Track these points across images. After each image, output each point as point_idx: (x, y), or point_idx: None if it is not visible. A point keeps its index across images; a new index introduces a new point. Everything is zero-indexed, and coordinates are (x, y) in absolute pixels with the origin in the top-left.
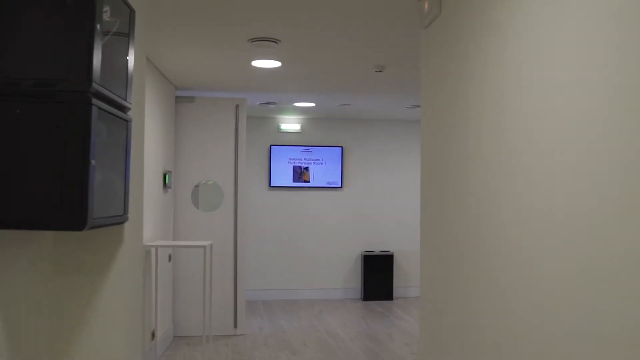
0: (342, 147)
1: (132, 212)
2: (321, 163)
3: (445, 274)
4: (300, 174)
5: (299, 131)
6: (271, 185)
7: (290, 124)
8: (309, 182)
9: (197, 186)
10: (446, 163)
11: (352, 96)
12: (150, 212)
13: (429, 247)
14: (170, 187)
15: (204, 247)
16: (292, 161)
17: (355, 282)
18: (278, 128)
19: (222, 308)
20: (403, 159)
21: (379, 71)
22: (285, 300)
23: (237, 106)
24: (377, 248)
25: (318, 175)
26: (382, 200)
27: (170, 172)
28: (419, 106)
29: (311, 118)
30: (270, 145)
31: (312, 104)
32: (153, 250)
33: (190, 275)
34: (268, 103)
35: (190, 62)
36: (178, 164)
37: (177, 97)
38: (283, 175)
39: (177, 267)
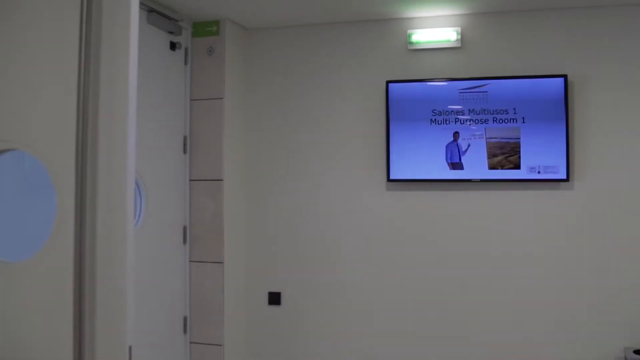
0: (565, 76)
1: None
2: (512, 120)
3: None
4: (460, 148)
5: (457, 44)
6: (391, 178)
7: (435, 30)
8: (475, 169)
9: None
10: None
11: None
12: None
13: None
14: None
15: None
16: (441, 117)
17: None
18: (407, 41)
19: None
20: None
21: None
22: None
23: None
24: None
25: (505, 153)
26: None
27: None
28: None
29: (484, 14)
30: (388, 83)
31: None
32: None
33: None
34: None
35: None
36: None
37: None
38: (420, 154)
39: None
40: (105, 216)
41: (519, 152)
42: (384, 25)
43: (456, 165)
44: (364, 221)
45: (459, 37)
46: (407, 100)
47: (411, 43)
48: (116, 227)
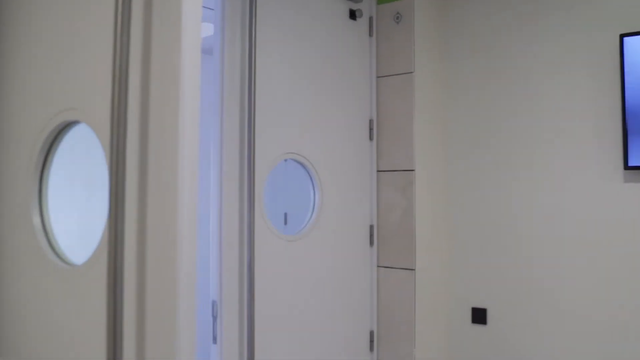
0: None
1: None
2: None
3: None
4: None
5: None
6: (630, 164)
7: None
8: None
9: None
10: None
11: None
12: None
13: None
14: None
15: None
16: None
17: None
18: None
19: None
20: None
21: None
22: None
23: None
24: None
25: None
26: None
27: None
28: None
29: None
30: (622, 37)
31: None
32: None
33: None
34: None
35: None
36: None
37: None
38: None
39: None
40: (154, 216)
41: None
42: None
43: None
44: (592, 222)
45: None
46: None
47: None
48: (166, 226)
